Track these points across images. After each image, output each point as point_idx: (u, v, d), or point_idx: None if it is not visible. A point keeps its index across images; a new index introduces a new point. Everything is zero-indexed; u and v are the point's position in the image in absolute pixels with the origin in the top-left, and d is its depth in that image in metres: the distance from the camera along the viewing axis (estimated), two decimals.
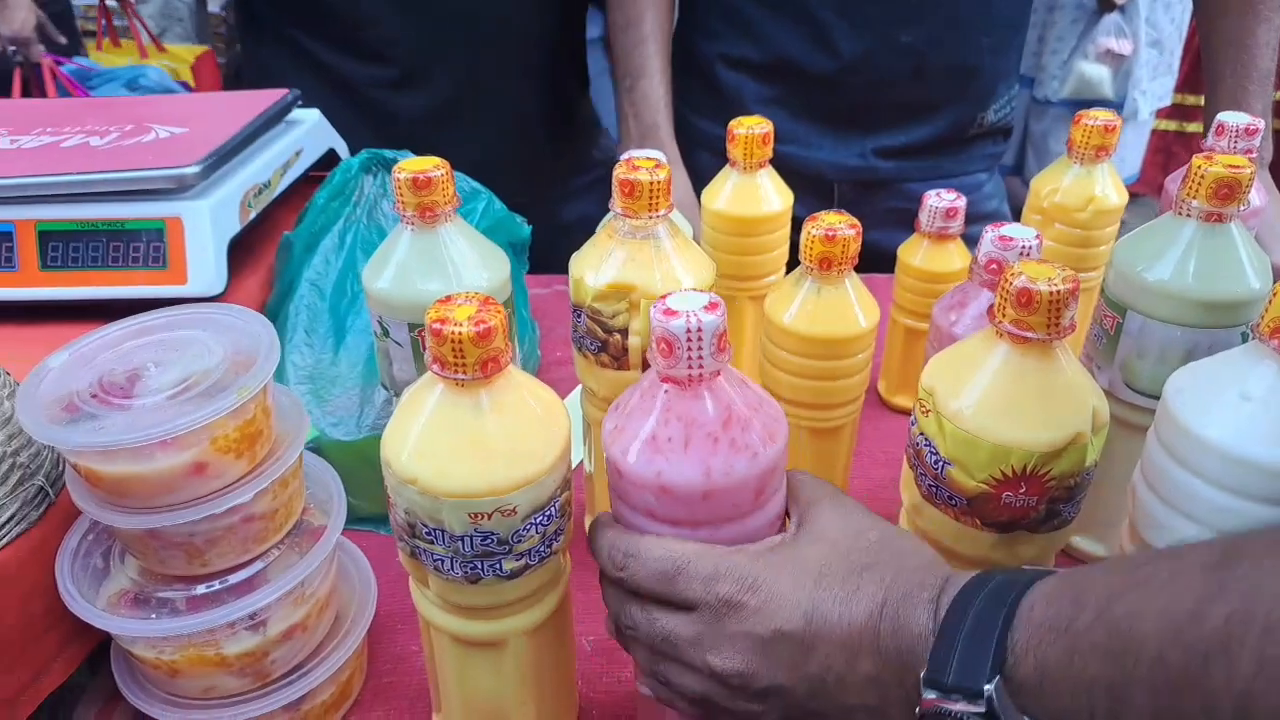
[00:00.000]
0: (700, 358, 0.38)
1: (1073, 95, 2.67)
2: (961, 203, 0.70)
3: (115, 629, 0.45)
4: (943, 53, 0.94)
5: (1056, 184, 0.71)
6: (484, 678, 0.47)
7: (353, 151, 0.95)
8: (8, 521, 0.47)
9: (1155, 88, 2.62)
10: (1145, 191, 3.42)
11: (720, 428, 0.39)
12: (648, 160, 0.54)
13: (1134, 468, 0.60)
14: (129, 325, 0.48)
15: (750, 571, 0.39)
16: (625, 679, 0.56)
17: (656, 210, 0.53)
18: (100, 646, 0.53)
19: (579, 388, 0.85)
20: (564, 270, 1.05)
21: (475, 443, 0.40)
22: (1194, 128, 3.01)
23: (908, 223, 1.06)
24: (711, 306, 0.38)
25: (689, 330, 0.37)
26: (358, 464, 0.66)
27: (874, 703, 0.38)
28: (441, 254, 0.54)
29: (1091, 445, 0.44)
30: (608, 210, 1.04)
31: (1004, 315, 0.43)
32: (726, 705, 0.40)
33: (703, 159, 1.06)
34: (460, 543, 0.41)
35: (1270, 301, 0.41)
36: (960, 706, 0.33)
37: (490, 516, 0.40)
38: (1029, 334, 0.42)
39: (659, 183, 0.52)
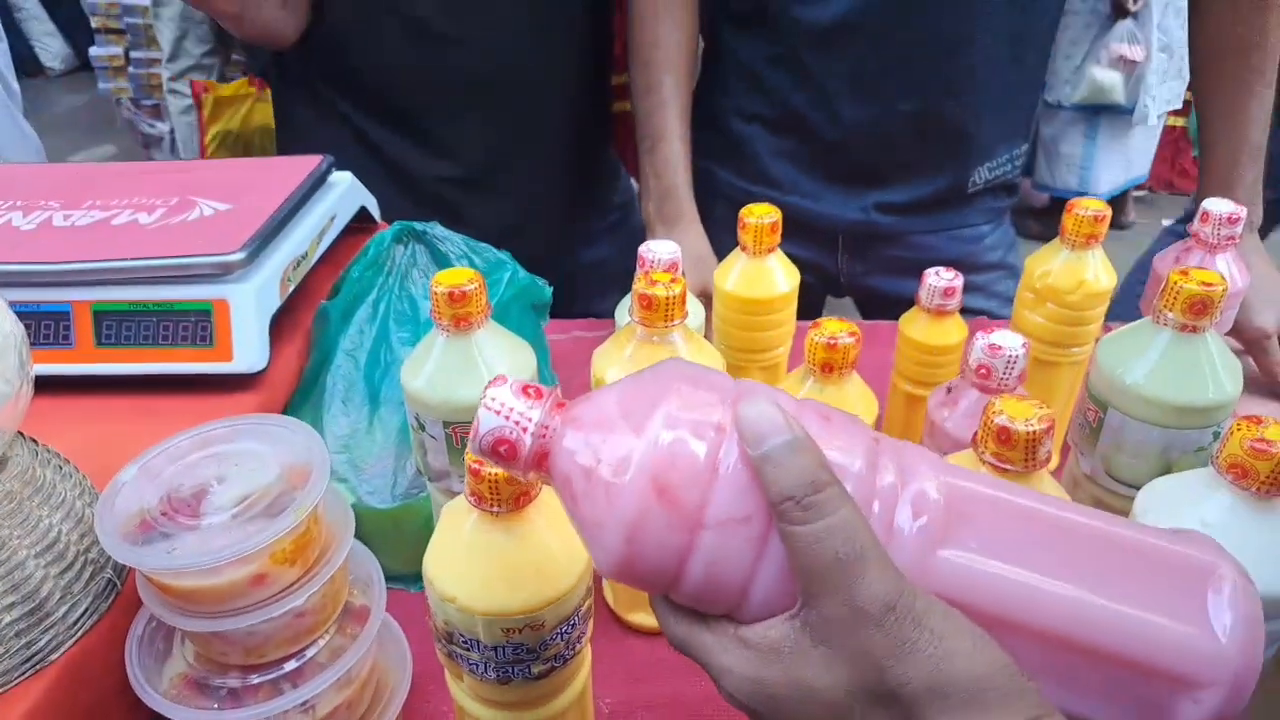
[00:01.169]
0: None
1: (1085, 100, 2.68)
2: (959, 282, 0.74)
3: (181, 718, 0.50)
4: (942, 119, 0.98)
5: (1049, 266, 0.75)
6: None
7: (383, 208, 0.99)
8: (83, 615, 0.52)
9: (1164, 91, 2.63)
10: (1155, 187, 3.42)
11: None
12: (664, 274, 0.58)
13: None
14: (192, 436, 0.52)
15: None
16: None
17: (671, 321, 0.57)
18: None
19: None
20: (583, 314, 1.10)
21: (508, 566, 0.45)
22: None
23: (908, 270, 1.10)
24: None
25: None
26: (390, 529, 0.71)
27: None
28: (474, 358, 0.58)
29: None
30: (624, 253, 1.08)
31: (985, 447, 0.47)
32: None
33: (720, 208, 1.10)
34: (493, 651, 0.46)
35: (1229, 437, 0.46)
36: None
37: (521, 630, 0.45)
38: (1008, 466, 0.47)
39: (674, 297, 0.56)
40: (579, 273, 1.25)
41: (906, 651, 0.31)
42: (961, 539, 0.34)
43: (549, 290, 0.88)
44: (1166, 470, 0.62)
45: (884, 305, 1.09)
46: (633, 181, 1.25)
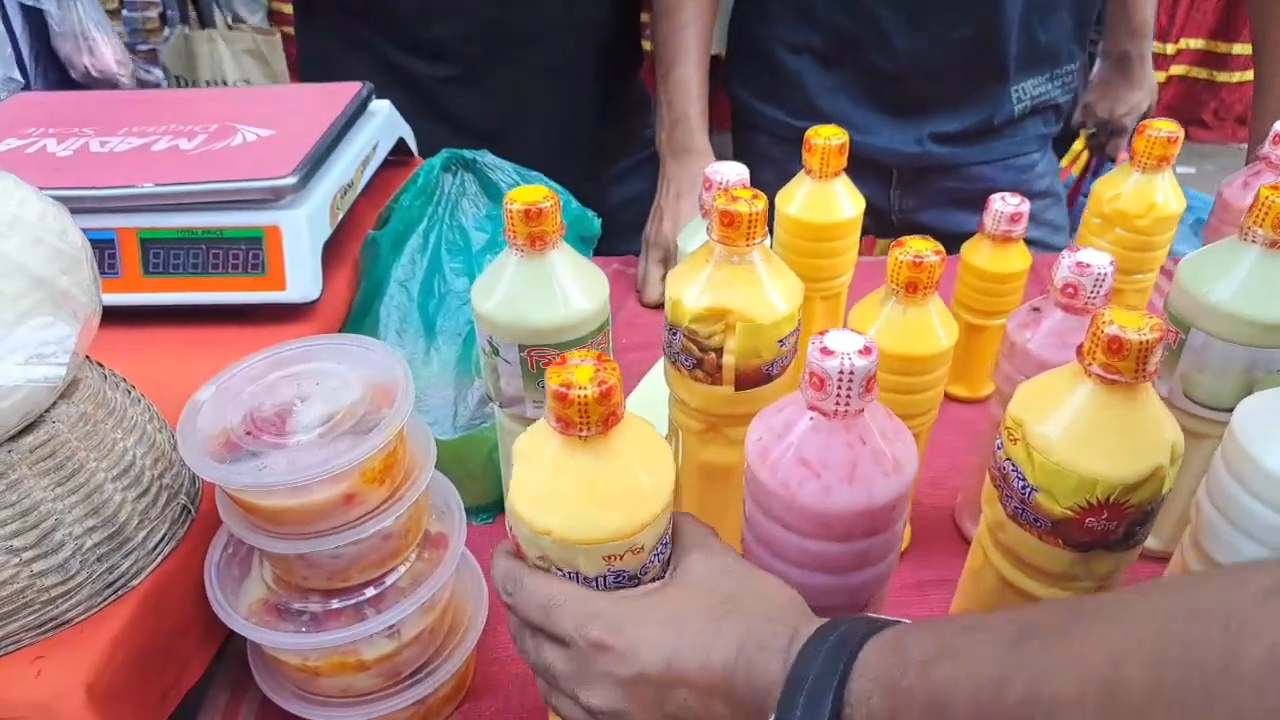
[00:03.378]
0: (848, 397, 0.42)
1: None
2: (1026, 207, 0.72)
3: (269, 641, 0.49)
4: (995, 44, 0.95)
5: (1118, 189, 0.73)
6: None
7: (418, 140, 0.96)
8: (161, 540, 0.51)
9: None
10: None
11: (855, 459, 0.43)
12: (745, 190, 0.56)
13: (1191, 472, 0.64)
14: (267, 357, 0.51)
15: (619, 615, 0.41)
16: None
17: (753, 239, 0.55)
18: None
19: (641, 383, 0.89)
20: (614, 251, 1.08)
21: (602, 491, 0.43)
22: (1223, 77, 2.96)
23: (962, 203, 1.08)
24: (866, 351, 0.42)
25: (842, 372, 0.41)
26: (453, 462, 0.69)
27: None
28: (549, 280, 0.56)
29: (1169, 476, 0.47)
30: (655, 191, 1.06)
31: (1093, 358, 0.46)
32: None
33: (760, 142, 1.07)
34: (596, 581, 0.45)
35: None
36: None
37: (622, 557, 0.44)
38: (1118, 377, 0.45)
39: (757, 214, 0.55)
40: (609, 211, 1.22)
41: (590, 677, 0.42)
42: None
43: (598, 222, 0.86)
44: (1248, 391, 0.60)
45: (937, 241, 1.08)
46: None
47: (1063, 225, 1.11)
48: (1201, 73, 3.01)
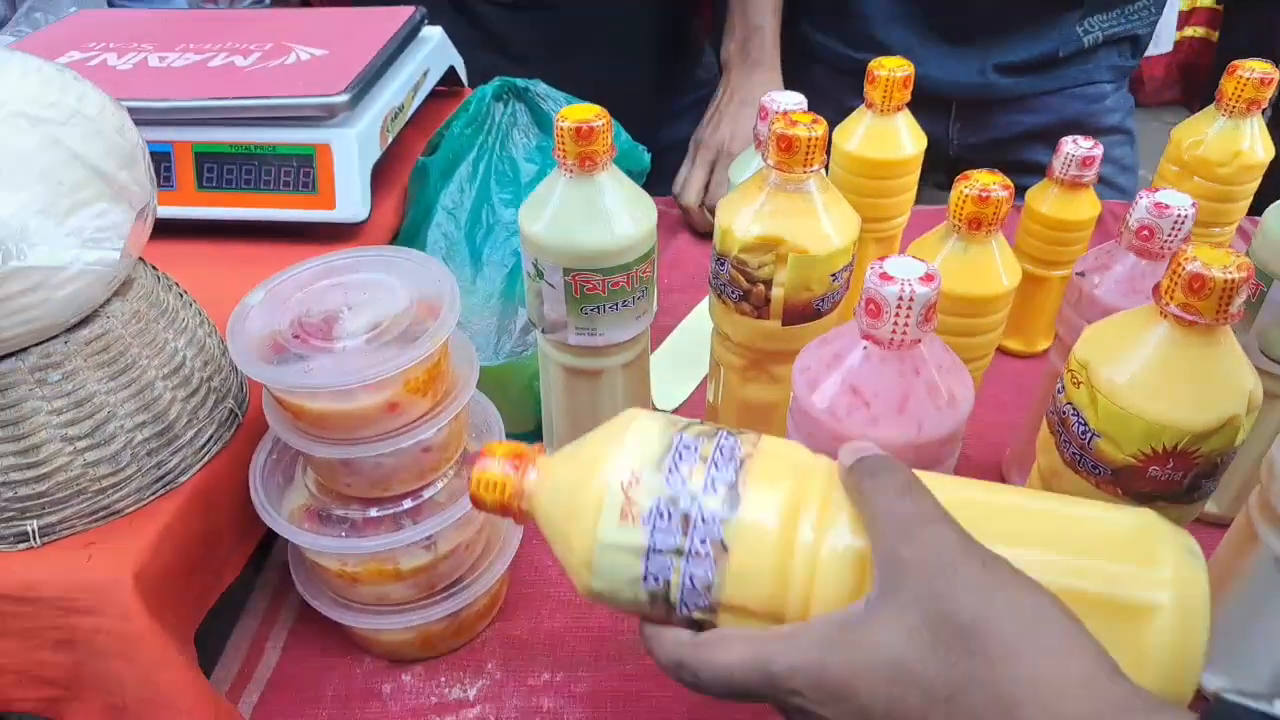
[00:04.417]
0: (905, 326, 0.41)
1: None
2: (1098, 152, 0.69)
3: (310, 544, 0.50)
4: None
5: (1200, 135, 0.69)
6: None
7: (469, 70, 0.95)
8: (207, 442, 0.52)
9: None
10: (1174, 99, 3.03)
11: (908, 390, 0.42)
12: (805, 114, 0.54)
13: (1262, 434, 0.61)
14: (316, 265, 0.51)
15: (828, 679, 0.32)
16: None
17: (810, 165, 0.54)
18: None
19: (683, 322, 0.88)
20: (661, 192, 1.06)
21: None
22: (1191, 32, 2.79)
23: (1024, 137, 1.04)
24: (927, 279, 0.41)
25: (900, 299, 0.40)
26: (495, 388, 0.69)
27: None
28: (597, 202, 0.55)
29: (1243, 427, 0.45)
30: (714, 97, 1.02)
31: (1171, 297, 0.44)
32: None
33: (816, 75, 1.04)
34: None
35: None
36: None
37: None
38: (1197, 318, 0.43)
39: (815, 139, 0.53)
40: (657, 152, 1.21)
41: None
42: None
43: (648, 157, 0.85)
44: None
45: None
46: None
47: (1131, 166, 1.06)
48: (1199, 31, 2.85)
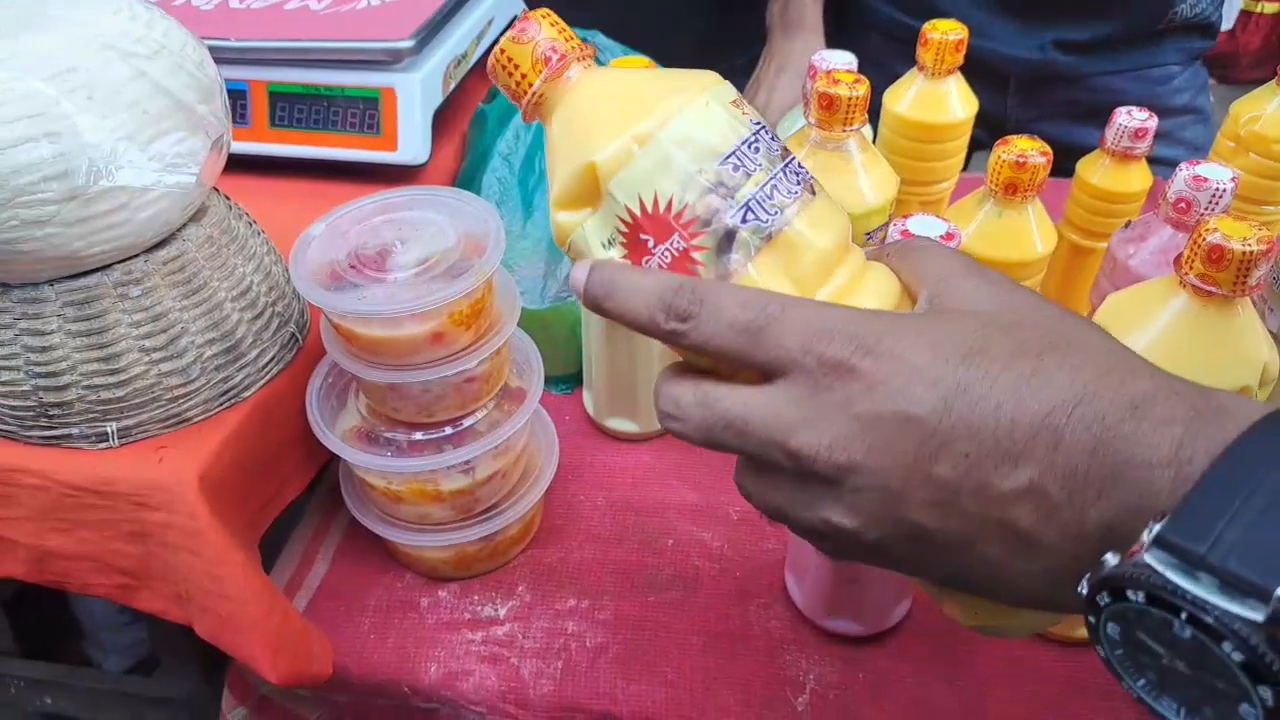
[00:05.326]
0: None
1: None
2: (1153, 123, 0.68)
3: (358, 460, 0.54)
4: None
5: (1259, 111, 0.68)
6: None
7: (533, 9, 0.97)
8: (269, 362, 0.56)
9: None
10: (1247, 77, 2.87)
11: None
12: (848, 74, 0.55)
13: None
14: (373, 202, 0.54)
15: (870, 330, 0.29)
16: (770, 549, 0.63)
17: (850, 124, 0.55)
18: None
19: None
20: None
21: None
22: (1272, 8, 2.65)
23: (1083, 115, 1.02)
24: (948, 237, 0.42)
25: None
26: (539, 331, 0.72)
27: (1024, 526, 0.27)
28: None
29: (1257, 397, 0.46)
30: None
31: (1190, 268, 0.44)
32: (802, 513, 0.30)
33: (870, 41, 1.04)
34: None
35: None
36: (1215, 599, 0.22)
37: None
38: (1213, 289, 0.44)
39: (856, 99, 0.54)
40: None
41: (819, 417, 0.28)
42: None
43: None
44: None
45: (1055, 157, 1.03)
46: None
47: (1203, 145, 1.03)
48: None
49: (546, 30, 0.34)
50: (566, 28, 0.35)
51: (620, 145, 0.32)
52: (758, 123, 0.33)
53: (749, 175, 0.32)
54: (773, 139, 0.33)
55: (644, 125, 0.32)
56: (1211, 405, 0.26)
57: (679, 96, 0.32)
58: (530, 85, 0.34)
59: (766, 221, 0.32)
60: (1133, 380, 0.27)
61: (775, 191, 0.32)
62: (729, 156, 0.32)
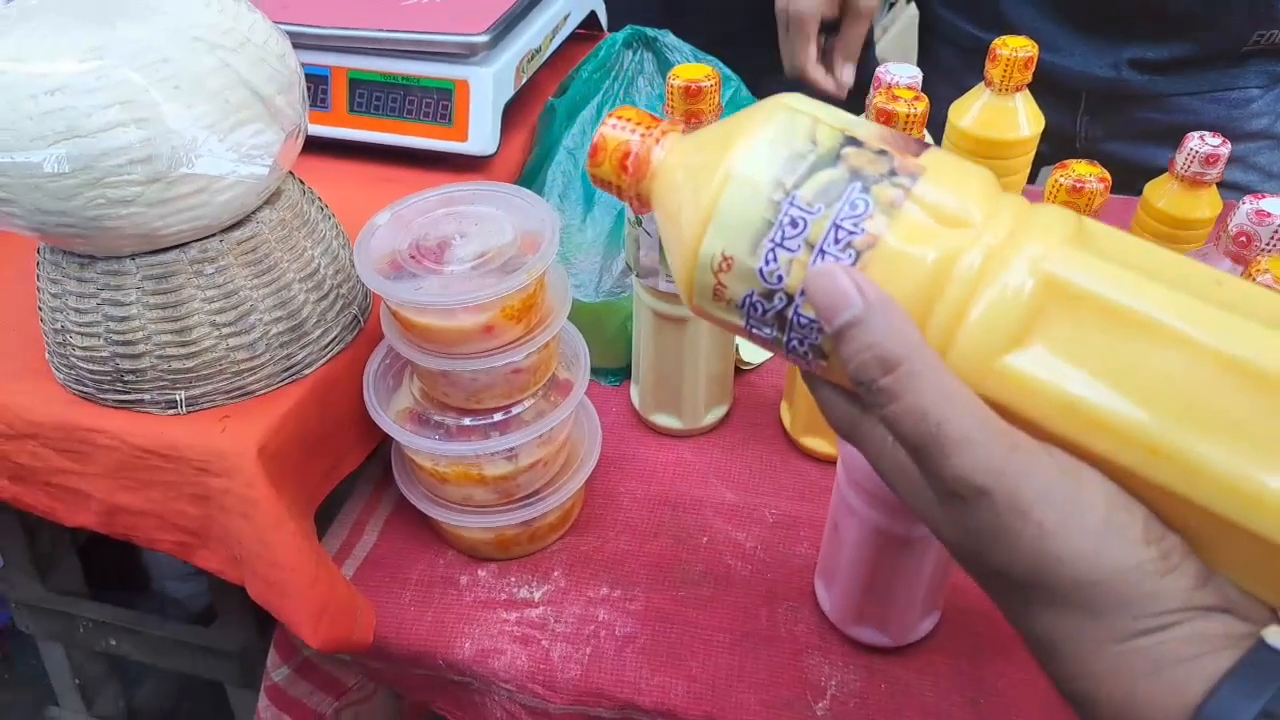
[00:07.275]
0: None
1: None
2: (1225, 150, 0.67)
3: (407, 441, 0.56)
4: None
5: None
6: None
7: (609, 12, 0.99)
8: (331, 342, 0.59)
9: None
10: None
11: None
12: (908, 90, 0.55)
13: None
14: (439, 194, 0.56)
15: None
16: (802, 554, 0.64)
17: None
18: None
19: None
20: None
21: None
22: None
23: (1156, 136, 0.99)
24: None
25: None
26: (591, 323, 0.74)
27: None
28: None
29: None
30: None
31: None
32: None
33: (942, 53, 1.02)
34: None
35: None
36: None
37: None
38: None
39: (914, 115, 0.54)
40: None
41: (1007, 538, 0.29)
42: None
43: None
44: None
45: (1124, 176, 1.00)
46: None
47: (1278, 173, 1.00)
48: None
49: (612, 141, 0.36)
50: (634, 115, 0.37)
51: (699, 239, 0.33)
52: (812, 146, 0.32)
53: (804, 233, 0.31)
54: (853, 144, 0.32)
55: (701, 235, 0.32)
56: None
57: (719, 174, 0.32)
58: (624, 190, 0.37)
59: (852, 234, 0.31)
60: None
61: (845, 216, 0.31)
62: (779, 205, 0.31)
